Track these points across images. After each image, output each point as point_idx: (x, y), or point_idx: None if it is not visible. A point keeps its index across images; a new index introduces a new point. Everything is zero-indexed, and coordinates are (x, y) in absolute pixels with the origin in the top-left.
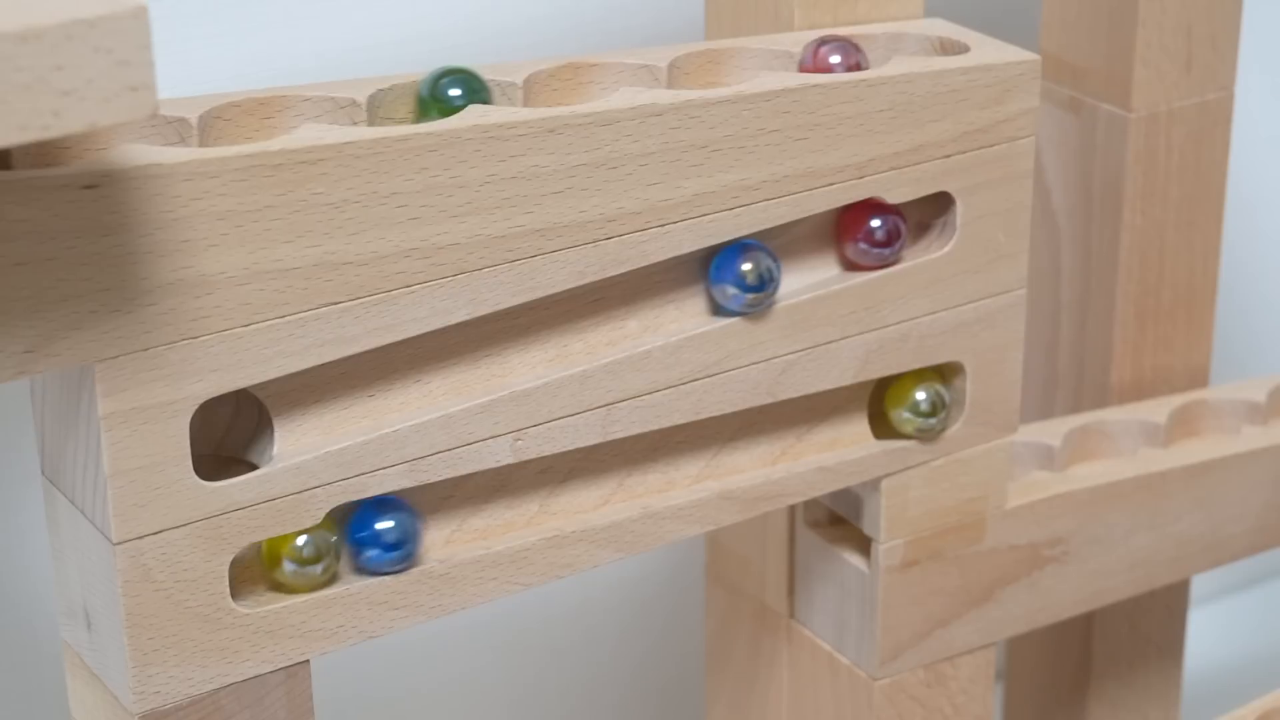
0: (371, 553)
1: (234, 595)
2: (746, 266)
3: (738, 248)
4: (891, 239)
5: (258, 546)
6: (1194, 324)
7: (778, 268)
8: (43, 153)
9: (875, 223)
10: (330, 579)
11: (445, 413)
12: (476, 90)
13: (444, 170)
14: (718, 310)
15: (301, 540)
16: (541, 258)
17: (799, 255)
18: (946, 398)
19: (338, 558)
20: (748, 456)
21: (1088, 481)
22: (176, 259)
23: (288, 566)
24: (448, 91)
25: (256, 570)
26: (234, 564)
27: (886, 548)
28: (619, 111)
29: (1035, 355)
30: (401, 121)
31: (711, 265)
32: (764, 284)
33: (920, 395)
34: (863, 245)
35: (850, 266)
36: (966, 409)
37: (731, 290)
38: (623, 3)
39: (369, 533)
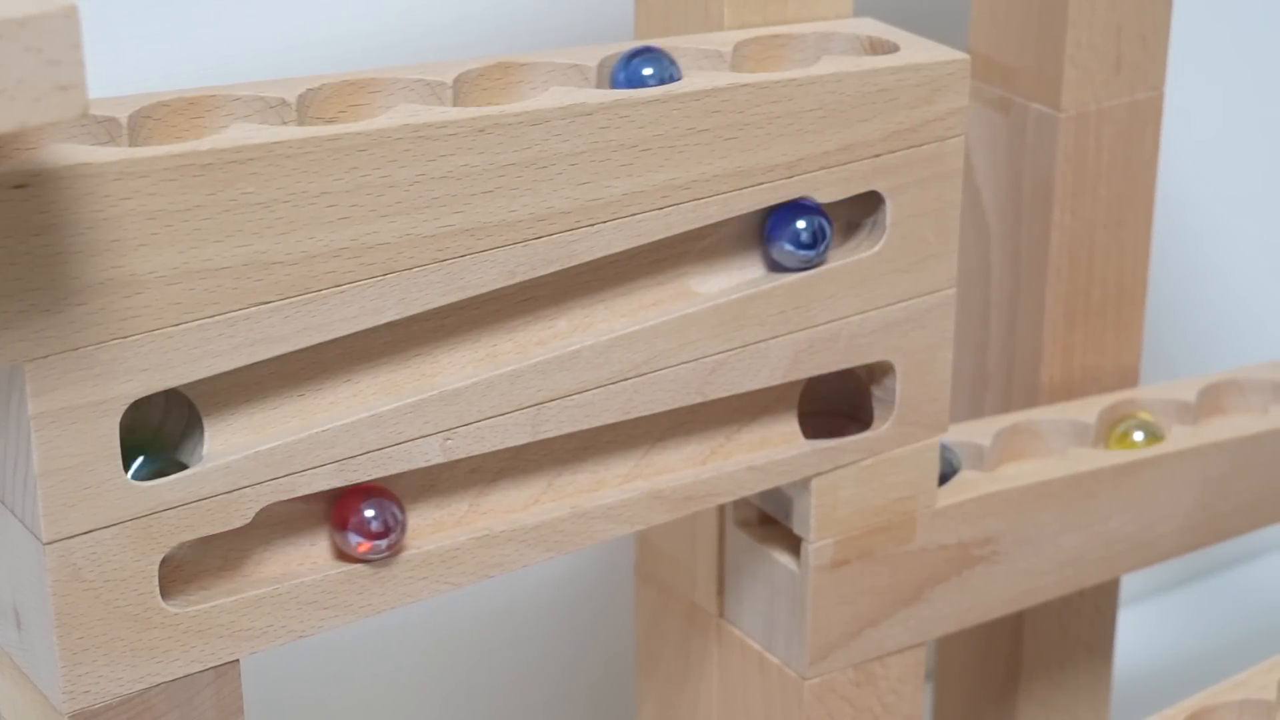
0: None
1: (163, 595)
2: (801, 225)
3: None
4: (817, 240)
5: (187, 546)
6: (1124, 323)
7: (830, 226)
8: None
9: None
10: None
11: (375, 412)
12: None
13: (374, 170)
14: (775, 266)
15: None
16: (471, 257)
17: (728, 255)
18: (828, 230)
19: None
20: (677, 456)
21: (1017, 481)
22: (106, 258)
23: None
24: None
25: (187, 569)
26: (164, 563)
27: (816, 547)
28: (549, 111)
29: (965, 355)
30: (332, 121)
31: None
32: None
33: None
34: (788, 246)
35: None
36: (896, 408)
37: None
38: (553, 2)
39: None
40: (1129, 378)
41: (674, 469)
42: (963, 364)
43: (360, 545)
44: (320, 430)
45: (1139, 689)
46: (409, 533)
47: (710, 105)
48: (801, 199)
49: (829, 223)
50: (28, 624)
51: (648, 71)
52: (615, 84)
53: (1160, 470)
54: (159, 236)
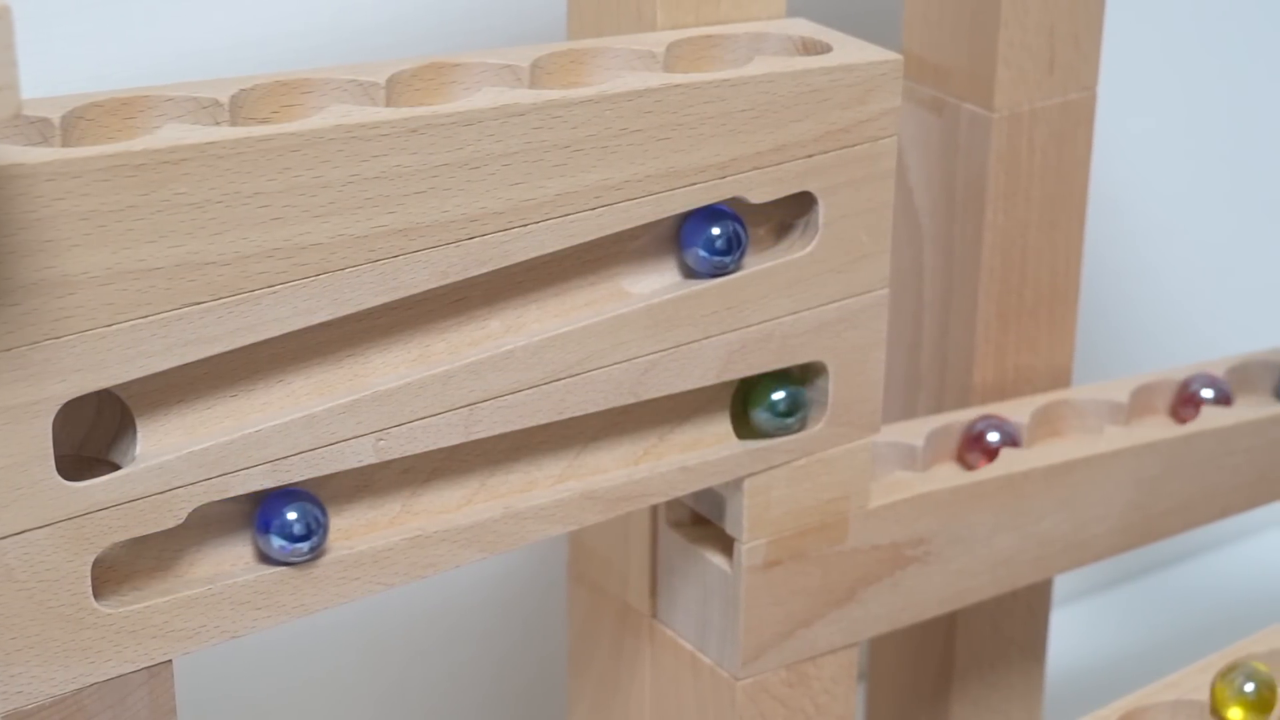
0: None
1: (96, 595)
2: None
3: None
4: (732, 246)
5: (120, 546)
6: (1057, 324)
7: (745, 232)
8: None
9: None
10: None
11: (308, 413)
12: None
13: (307, 170)
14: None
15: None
16: (404, 258)
17: (661, 256)
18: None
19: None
20: (610, 456)
21: (950, 481)
22: (39, 259)
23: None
24: None
25: (120, 570)
26: (96, 564)
27: (749, 548)
28: (481, 111)
29: (898, 355)
30: (265, 121)
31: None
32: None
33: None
34: (702, 252)
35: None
36: (829, 409)
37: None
38: (485, 2)
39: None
40: (1062, 378)
41: (607, 469)
42: (895, 364)
43: (282, 549)
44: (253, 431)
45: (1072, 689)
46: (341, 533)
47: (643, 105)
48: (718, 204)
49: (744, 228)
50: None
51: None
52: None
53: (1093, 471)
54: (92, 237)
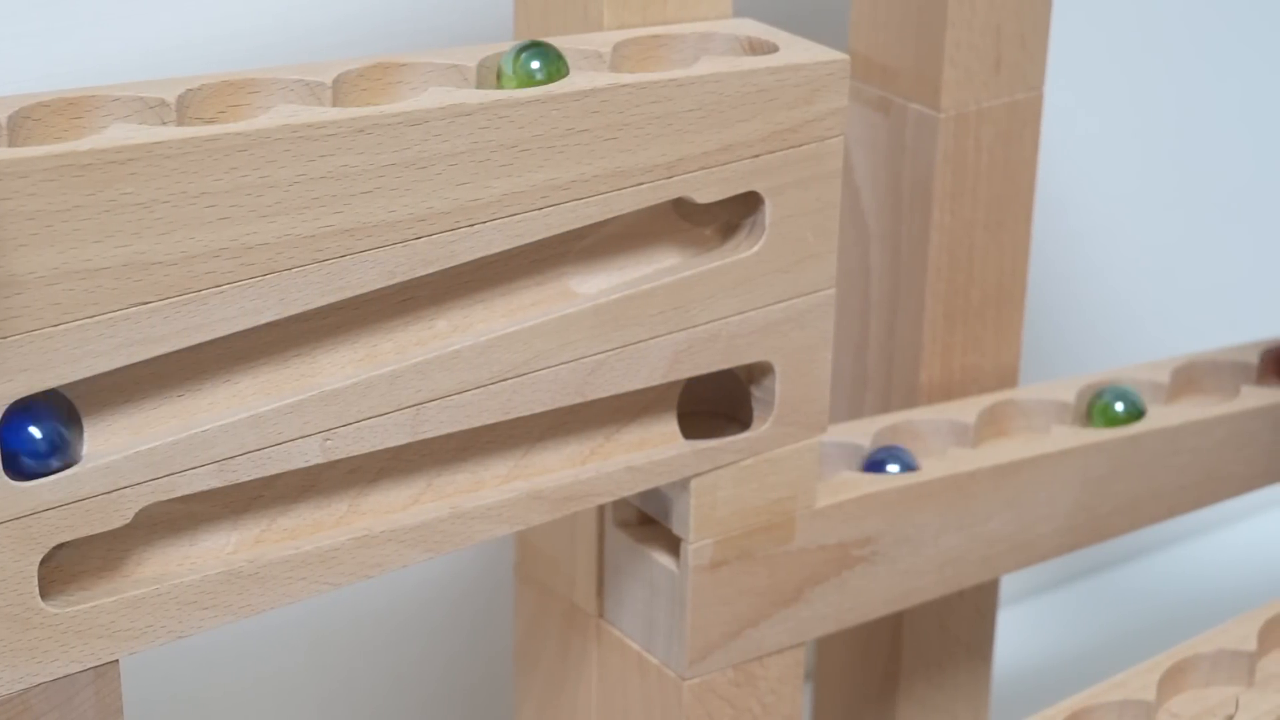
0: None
1: (43, 595)
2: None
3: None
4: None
5: (67, 546)
6: (1003, 324)
7: (68, 431)
8: None
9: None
10: None
11: (254, 413)
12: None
13: (253, 170)
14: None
15: None
16: (351, 257)
17: (607, 255)
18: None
19: None
20: (557, 456)
21: (897, 481)
22: None
23: None
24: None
25: (67, 569)
26: (43, 563)
27: (695, 548)
28: (428, 111)
29: (844, 355)
30: (211, 121)
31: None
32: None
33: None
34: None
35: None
36: (776, 409)
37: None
38: (432, 2)
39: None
40: (1008, 378)
41: (553, 469)
42: (842, 364)
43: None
44: (200, 430)
45: (1018, 689)
46: (287, 533)
47: (589, 105)
48: (34, 402)
49: (66, 428)
50: None
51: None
52: None
53: (1040, 471)
54: (38, 237)
